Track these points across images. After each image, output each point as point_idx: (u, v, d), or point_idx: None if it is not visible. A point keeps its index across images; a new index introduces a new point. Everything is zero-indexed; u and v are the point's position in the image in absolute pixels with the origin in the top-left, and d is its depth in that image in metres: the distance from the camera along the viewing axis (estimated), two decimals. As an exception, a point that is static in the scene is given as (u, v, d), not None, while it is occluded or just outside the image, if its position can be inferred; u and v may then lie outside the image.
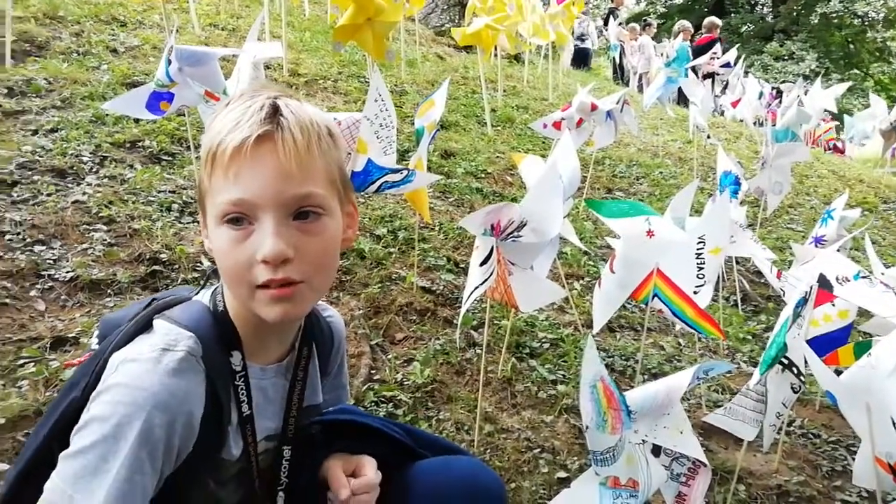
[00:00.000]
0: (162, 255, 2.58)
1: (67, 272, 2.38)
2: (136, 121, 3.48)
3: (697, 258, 2.00)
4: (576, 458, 2.23)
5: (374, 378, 2.40)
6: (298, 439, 1.12)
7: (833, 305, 2.11)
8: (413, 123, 4.52)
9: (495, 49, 5.75)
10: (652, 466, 1.56)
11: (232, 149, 0.90)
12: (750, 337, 3.38)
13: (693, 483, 1.63)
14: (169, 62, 2.45)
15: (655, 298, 2.09)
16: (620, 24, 9.44)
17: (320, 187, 0.95)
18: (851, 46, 23.50)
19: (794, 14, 22.45)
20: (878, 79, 21.32)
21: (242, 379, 1.02)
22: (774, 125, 8.54)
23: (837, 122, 11.02)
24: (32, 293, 2.29)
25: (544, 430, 2.35)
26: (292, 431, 1.10)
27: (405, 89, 5.10)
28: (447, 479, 1.18)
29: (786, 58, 20.83)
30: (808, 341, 1.86)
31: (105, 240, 2.60)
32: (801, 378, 1.87)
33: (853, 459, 2.56)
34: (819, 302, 2.08)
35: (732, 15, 23.78)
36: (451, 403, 2.35)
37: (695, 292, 2.05)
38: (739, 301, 3.68)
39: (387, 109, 2.23)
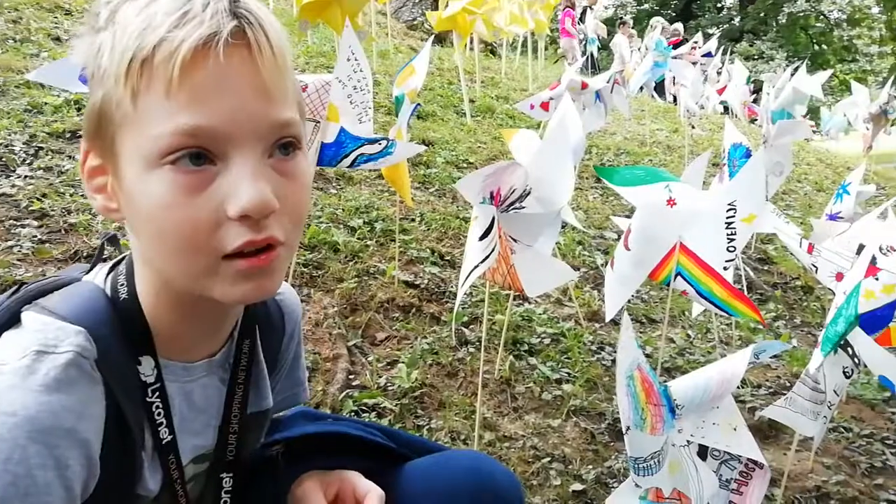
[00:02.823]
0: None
1: (-13, 273, 2.02)
2: (79, 109, 3.12)
3: (727, 228, 1.71)
4: (591, 467, 1.93)
5: (353, 384, 2.08)
6: (244, 462, 0.81)
7: (877, 280, 1.84)
8: (386, 112, 4.25)
9: (471, 41, 5.49)
10: (702, 472, 1.26)
11: (189, 51, 0.59)
12: (760, 326, 3.13)
13: (746, 490, 1.33)
14: (105, 26, 2.11)
15: (678, 277, 1.81)
16: (596, 18, 9.34)
17: (296, 112, 0.66)
18: (817, 46, 23.79)
19: (762, 14, 22.69)
20: (842, 78, 21.51)
21: (157, 394, 0.71)
22: (753, 120, 8.43)
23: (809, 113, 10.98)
24: (-57, 297, 1.93)
25: (552, 436, 2.05)
26: (233, 453, 0.79)
27: (378, 80, 4.80)
28: (447, 479, 0.91)
29: (756, 57, 21.00)
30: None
31: (35, 236, 2.25)
32: (856, 360, 1.60)
33: (892, 454, 2.32)
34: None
35: (700, 17, 23.96)
36: (443, 409, 2.04)
37: (724, 268, 1.78)
38: (745, 289, 3.44)
39: (361, 70, 1.92)
